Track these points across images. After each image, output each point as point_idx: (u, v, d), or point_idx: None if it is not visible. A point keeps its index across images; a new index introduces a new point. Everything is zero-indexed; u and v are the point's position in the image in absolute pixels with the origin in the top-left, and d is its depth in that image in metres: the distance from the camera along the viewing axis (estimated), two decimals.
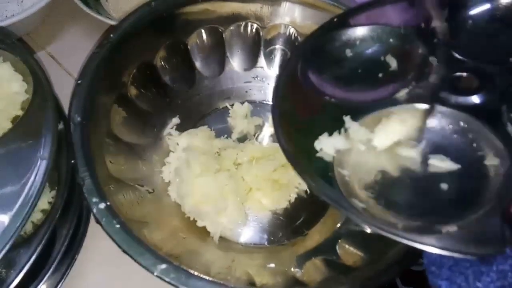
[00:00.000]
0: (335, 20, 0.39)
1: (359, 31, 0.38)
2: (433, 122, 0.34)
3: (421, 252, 0.34)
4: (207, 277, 0.32)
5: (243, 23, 0.48)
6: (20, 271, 0.27)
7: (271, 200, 0.44)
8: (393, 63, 0.38)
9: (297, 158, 0.32)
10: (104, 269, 0.39)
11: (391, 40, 0.38)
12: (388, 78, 0.37)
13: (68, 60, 0.53)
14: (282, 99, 0.35)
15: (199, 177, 0.42)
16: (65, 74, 0.52)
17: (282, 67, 0.40)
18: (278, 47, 0.50)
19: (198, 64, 0.49)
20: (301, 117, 0.36)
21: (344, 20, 0.39)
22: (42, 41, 0.54)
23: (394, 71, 0.37)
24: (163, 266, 0.32)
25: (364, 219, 0.30)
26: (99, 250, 0.39)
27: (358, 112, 0.35)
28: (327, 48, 0.38)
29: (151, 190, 0.43)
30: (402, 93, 0.36)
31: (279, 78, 0.37)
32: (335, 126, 0.35)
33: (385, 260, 0.35)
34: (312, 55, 0.38)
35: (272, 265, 0.41)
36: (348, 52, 0.38)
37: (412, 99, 0.35)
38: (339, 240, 0.41)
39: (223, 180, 0.43)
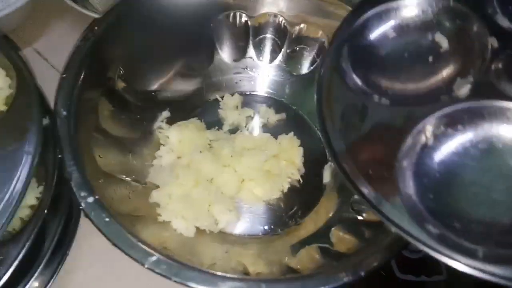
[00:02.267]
0: None
1: (398, 6, 0.33)
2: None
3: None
4: (199, 267, 0.32)
5: (231, 13, 0.48)
6: (9, 267, 0.27)
7: (263, 191, 0.44)
8: (443, 42, 0.33)
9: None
10: (97, 265, 0.39)
11: (438, 15, 0.32)
12: (441, 64, 0.32)
13: (54, 55, 0.52)
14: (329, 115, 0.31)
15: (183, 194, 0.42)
16: (52, 69, 0.51)
17: (320, 65, 0.33)
18: (267, 36, 0.50)
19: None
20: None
21: None
22: (28, 37, 0.54)
23: (446, 53, 0.32)
24: (154, 257, 0.31)
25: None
26: (91, 245, 0.39)
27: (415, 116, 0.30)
28: (366, 33, 0.34)
29: (143, 184, 0.43)
30: (464, 89, 0.31)
31: (319, 80, 0.33)
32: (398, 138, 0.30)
33: (376, 246, 0.35)
34: (351, 47, 0.33)
35: (267, 254, 0.41)
36: (391, 33, 0.33)
37: (476, 95, 0.30)
38: (332, 228, 0.41)
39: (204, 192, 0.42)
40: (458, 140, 0.30)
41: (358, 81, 0.32)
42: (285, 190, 0.45)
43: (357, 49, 0.33)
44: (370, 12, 0.34)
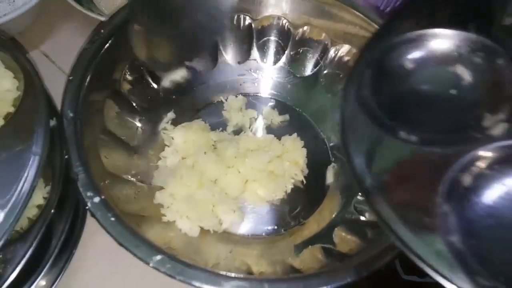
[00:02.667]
0: (388, 24, 0.32)
1: (426, 36, 0.31)
2: None
3: None
4: (203, 267, 0.32)
5: (235, 16, 0.48)
6: (17, 266, 0.28)
7: (267, 191, 0.44)
8: (470, 76, 0.31)
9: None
10: (102, 264, 0.39)
11: (466, 48, 0.30)
12: (469, 99, 0.30)
13: (61, 57, 0.53)
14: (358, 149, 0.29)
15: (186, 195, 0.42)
16: (58, 71, 0.52)
17: (343, 96, 0.31)
18: (271, 38, 0.50)
19: None
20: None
21: (396, 25, 0.32)
22: (35, 39, 0.54)
23: (473, 87, 0.30)
24: (159, 257, 0.32)
25: None
26: (97, 245, 0.39)
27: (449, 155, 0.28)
28: (389, 62, 0.31)
29: (148, 184, 0.43)
30: (499, 127, 0.28)
31: (342, 112, 0.30)
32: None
33: (379, 247, 0.35)
34: (374, 77, 0.31)
35: (270, 254, 0.41)
36: (416, 64, 0.31)
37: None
38: (335, 229, 0.41)
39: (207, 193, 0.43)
40: (501, 182, 0.28)
41: (383, 114, 0.30)
42: (289, 190, 0.45)
43: (381, 80, 0.31)
44: (395, 40, 0.32)
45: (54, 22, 0.56)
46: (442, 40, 0.31)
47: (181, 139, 0.45)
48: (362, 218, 0.41)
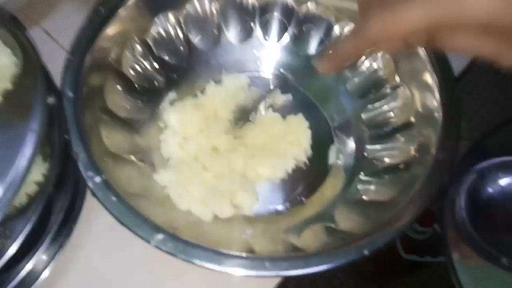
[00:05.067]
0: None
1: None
2: None
3: (415, 218, 0.34)
4: (205, 245, 0.32)
5: None
6: (16, 240, 0.28)
7: (269, 170, 0.44)
8: None
9: None
10: (103, 240, 0.40)
11: None
12: None
13: (63, 35, 0.52)
14: None
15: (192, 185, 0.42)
16: (60, 49, 0.51)
17: (443, 221, 0.33)
18: (274, 15, 0.49)
19: (192, 37, 0.48)
20: None
21: None
22: (36, 17, 0.54)
23: None
24: (160, 236, 0.32)
25: None
26: (97, 221, 0.40)
27: None
28: (484, 186, 0.33)
29: (150, 165, 0.43)
30: None
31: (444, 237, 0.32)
32: None
33: (381, 226, 0.35)
34: (469, 201, 0.32)
35: (272, 233, 0.41)
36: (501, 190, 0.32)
37: None
38: (337, 208, 0.41)
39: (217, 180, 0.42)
40: None
41: (481, 240, 0.31)
42: (290, 170, 0.45)
43: (476, 204, 0.32)
44: (484, 165, 0.33)
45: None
46: None
47: (176, 120, 0.44)
48: (364, 197, 0.41)
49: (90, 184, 0.32)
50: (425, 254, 0.38)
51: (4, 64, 0.32)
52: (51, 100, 0.33)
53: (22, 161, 0.27)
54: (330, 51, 0.29)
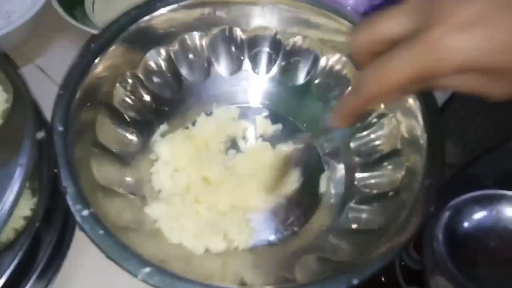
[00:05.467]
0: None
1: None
2: None
3: (405, 245, 0.34)
4: (191, 279, 0.32)
5: (225, 27, 0.48)
6: (2, 276, 0.28)
7: (259, 201, 0.44)
8: None
9: None
10: (92, 275, 0.39)
11: None
12: None
13: (56, 71, 0.53)
14: None
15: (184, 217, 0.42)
16: (53, 85, 0.52)
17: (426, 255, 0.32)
18: (262, 49, 0.51)
19: (183, 70, 0.49)
20: None
21: None
22: (30, 54, 0.55)
23: None
24: (147, 269, 0.32)
25: None
26: (86, 257, 0.39)
27: None
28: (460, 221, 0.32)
29: (141, 197, 0.43)
30: None
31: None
32: None
33: (371, 255, 0.35)
34: (447, 236, 0.31)
35: (263, 265, 0.41)
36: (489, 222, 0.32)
37: None
38: (329, 237, 0.41)
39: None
40: None
41: (461, 277, 0.30)
42: (282, 200, 0.45)
43: (454, 240, 0.31)
44: (459, 200, 0.32)
45: (49, 37, 0.57)
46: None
47: (168, 152, 0.45)
48: (355, 226, 0.41)
49: (77, 217, 0.32)
50: (426, 285, 0.38)
51: None
52: (40, 134, 0.33)
53: (9, 196, 0.27)
54: (336, 109, 0.31)
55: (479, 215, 0.32)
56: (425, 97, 0.40)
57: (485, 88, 0.25)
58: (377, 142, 0.45)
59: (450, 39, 0.23)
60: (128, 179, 0.44)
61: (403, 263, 0.41)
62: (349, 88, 0.47)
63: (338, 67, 0.48)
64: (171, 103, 0.49)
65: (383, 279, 0.43)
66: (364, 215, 0.42)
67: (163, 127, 0.48)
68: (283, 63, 0.50)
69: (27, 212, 0.33)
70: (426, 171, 0.37)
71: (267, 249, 0.42)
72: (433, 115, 0.39)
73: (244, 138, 0.49)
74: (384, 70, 0.25)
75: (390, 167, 0.43)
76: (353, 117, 0.31)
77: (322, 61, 0.49)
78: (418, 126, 0.40)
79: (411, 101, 0.40)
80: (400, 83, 0.25)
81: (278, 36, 0.49)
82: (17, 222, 0.32)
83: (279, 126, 0.49)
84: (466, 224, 0.32)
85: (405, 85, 0.25)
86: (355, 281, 0.32)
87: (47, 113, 0.40)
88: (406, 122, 0.42)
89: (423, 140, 0.39)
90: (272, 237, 0.43)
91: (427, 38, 0.23)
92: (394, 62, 0.25)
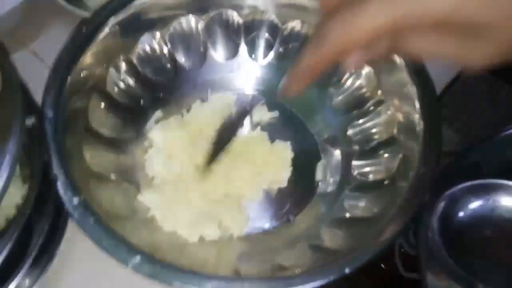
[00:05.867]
0: None
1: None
2: None
3: (398, 233, 0.34)
4: (182, 267, 0.32)
5: (220, 11, 0.47)
6: None
7: (253, 190, 0.44)
8: None
9: None
10: (86, 263, 0.39)
11: None
12: None
13: (51, 56, 0.51)
14: None
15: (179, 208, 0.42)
16: (48, 71, 0.51)
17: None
18: (260, 34, 0.50)
19: (178, 55, 0.49)
20: None
21: None
22: (24, 39, 0.54)
23: None
24: (137, 258, 0.31)
25: None
26: (80, 244, 0.39)
27: None
28: (455, 209, 0.32)
29: (135, 185, 0.43)
30: None
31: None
32: None
33: (365, 243, 0.34)
34: (442, 225, 0.32)
35: (258, 253, 0.40)
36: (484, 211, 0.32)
37: None
38: (323, 225, 0.41)
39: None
40: None
41: (456, 267, 0.30)
42: (277, 188, 0.44)
43: (449, 229, 0.32)
44: (457, 189, 0.32)
45: (44, 21, 0.56)
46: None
47: (161, 138, 0.44)
48: (350, 214, 0.41)
49: (67, 205, 0.32)
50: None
51: None
52: (30, 121, 0.33)
53: None
54: (292, 70, 0.27)
55: (475, 204, 0.32)
56: (423, 84, 0.39)
57: (461, 51, 0.23)
58: (374, 130, 0.44)
59: None
60: (122, 165, 0.43)
61: (402, 249, 0.41)
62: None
63: None
64: (166, 89, 0.48)
65: (382, 265, 0.43)
66: (359, 203, 0.42)
67: (157, 114, 0.47)
68: (280, 49, 0.49)
69: (19, 200, 0.32)
70: (422, 159, 0.36)
71: (262, 237, 0.42)
72: (431, 102, 0.38)
73: (240, 124, 0.48)
74: (353, 20, 0.22)
75: (386, 155, 0.42)
76: (310, 79, 0.27)
77: None
78: (415, 114, 0.39)
79: (409, 88, 0.40)
80: (371, 35, 0.22)
81: (275, 21, 0.48)
82: (8, 210, 0.32)
83: (275, 113, 0.49)
84: (461, 214, 0.32)
85: (374, 37, 0.22)
86: (347, 270, 0.32)
87: (40, 99, 0.40)
88: (403, 108, 0.41)
89: (419, 127, 0.38)
90: (267, 225, 0.43)
91: None
92: (366, 8, 0.22)
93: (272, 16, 0.48)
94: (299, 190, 0.45)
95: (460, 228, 0.31)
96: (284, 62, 0.49)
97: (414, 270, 0.41)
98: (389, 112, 0.42)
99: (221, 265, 0.39)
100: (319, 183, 0.45)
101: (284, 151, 0.46)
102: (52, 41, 0.54)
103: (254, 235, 0.42)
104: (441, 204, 0.31)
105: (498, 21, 0.21)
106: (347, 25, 0.22)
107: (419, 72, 0.39)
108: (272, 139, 0.47)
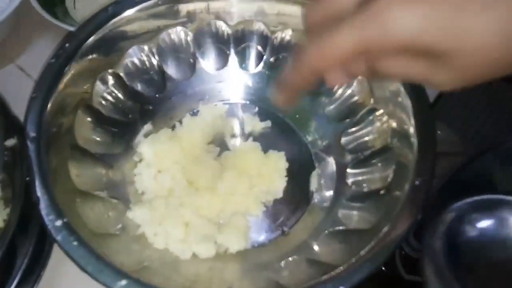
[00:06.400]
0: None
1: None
2: None
3: (396, 246, 0.33)
4: None
5: (209, 22, 0.46)
6: None
7: (247, 205, 0.42)
8: None
9: None
10: (73, 286, 0.38)
11: None
12: None
13: (37, 71, 0.51)
14: None
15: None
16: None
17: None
18: (249, 44, 0.49)
19: (167, 67, 0.48)
20: None
21: None
22: (11, 54, 0.54)
23: None
24: (124, 282, 0.30)
25: None
26: (68, 266, 0.38)
27: None
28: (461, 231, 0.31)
29: (123, 201, 0.42)
30: None
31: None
32: None
33: (362, 256, 0.33)
34: (447, 245, 0.30)
35: (252, 269, 0.39)
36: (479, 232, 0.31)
37: None
38: (319, 238, 0.40)
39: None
40: None
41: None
42: (271, 201, 0.43)
43: (455, 249, 0.30)
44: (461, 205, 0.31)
45: (30, 36, 0.55)
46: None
47: (151, 152, 0.43)
48: (346, 226, 0.40)
49: (50, 227, 0.31)
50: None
51: None
52: (11, 142, 0.32)
53: None
54: (278, 83, 0.30)
55: (482, 221, 0.30)
56: (416, 93, 0.38)
57: (429, 75, 0.24)
58: (367, 138, 0.43)
59: (394, 11, 0.22)
60: (110, 181, 0.42)
61: (403, 252, 0.40)
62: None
63: None
64: (155, 101, 0.47)
65: (383, 268, 0.41)
66: (355, 214, 0.40)
67: (147, 127, 0.46)
68: (271, 59, 0.48)
69: (0, 223, 0.31)
70: (417, 169, 0.35)
71: (257, 251, 0.41)
72: (424, 111, 0.37)
73: (233, 136, 0.47)
74: (326, 42, 0.24)
75: (381, 164, 0.41)
76: (295, 93, 0.29)
77: None
78: (408, 121, 0.38)
79: (402, 97, 0.39)
80: (342, 56, 0.24)
81: (265, 31, 0.47)
82: None
83: (268, 123, 0.48)
84: (467, 232, 0.30)
85: (347, 59, 0.24)
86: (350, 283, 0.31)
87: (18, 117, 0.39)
88: (397, 117, 0.40)
89: (413, 137, 0.37)
90: (261, 238, 0.42)
91: (371, 9, 0.22)
92: (337, 32, 0.24)
93: (261, 26, 0.47)
94: (293, 201, 0.44)
95: (467, 248, 0.30)
96: (275, 71, 0.48)
97: (415, 272, 0.40)
98: (382, 120, 0.41)
99: (214, 282, 0.38)
100: (314, 193, 0.44)
101: (278, 161, 0.45)
102: (39, 56, 0.53)
103: (249, 249, 0.41)
104: (447, 218, 0.30)
105: (456, 50, 0.22)
106: (321, 46, 0.25)
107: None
108: (265, 150, 0.46)
